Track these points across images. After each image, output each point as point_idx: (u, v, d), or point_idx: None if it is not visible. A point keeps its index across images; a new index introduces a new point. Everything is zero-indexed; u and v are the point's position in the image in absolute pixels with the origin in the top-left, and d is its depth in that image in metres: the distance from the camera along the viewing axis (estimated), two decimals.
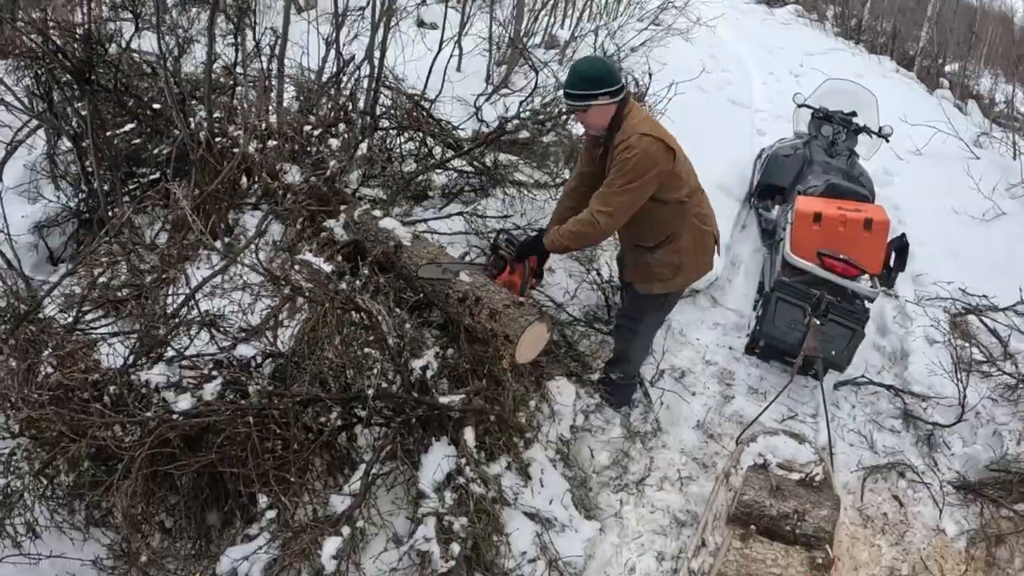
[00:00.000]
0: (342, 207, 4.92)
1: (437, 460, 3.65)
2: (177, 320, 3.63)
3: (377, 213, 4.76)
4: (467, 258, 5.00)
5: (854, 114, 6.90)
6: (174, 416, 3.12)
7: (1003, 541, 4.40)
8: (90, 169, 4.80)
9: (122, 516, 3.02)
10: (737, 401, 5.10)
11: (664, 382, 5.09)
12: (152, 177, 5.18)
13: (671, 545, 4.17)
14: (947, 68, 14.88)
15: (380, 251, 4.43)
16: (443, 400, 3.71)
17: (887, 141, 6.81)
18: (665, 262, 4.31)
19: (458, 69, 7.76)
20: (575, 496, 4.08)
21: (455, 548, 3.32)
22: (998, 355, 5.58)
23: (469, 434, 3.75)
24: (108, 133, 4.99)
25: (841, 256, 5.07)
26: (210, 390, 3.30)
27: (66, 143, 5.21)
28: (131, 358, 3.38)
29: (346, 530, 3.23)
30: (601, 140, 4.13)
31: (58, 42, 4.36)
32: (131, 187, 5.15)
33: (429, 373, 3.94)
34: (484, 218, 5.50)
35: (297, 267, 3.90)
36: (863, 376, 5.46)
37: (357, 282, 3.97)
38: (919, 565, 4.29)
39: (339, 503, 3.36)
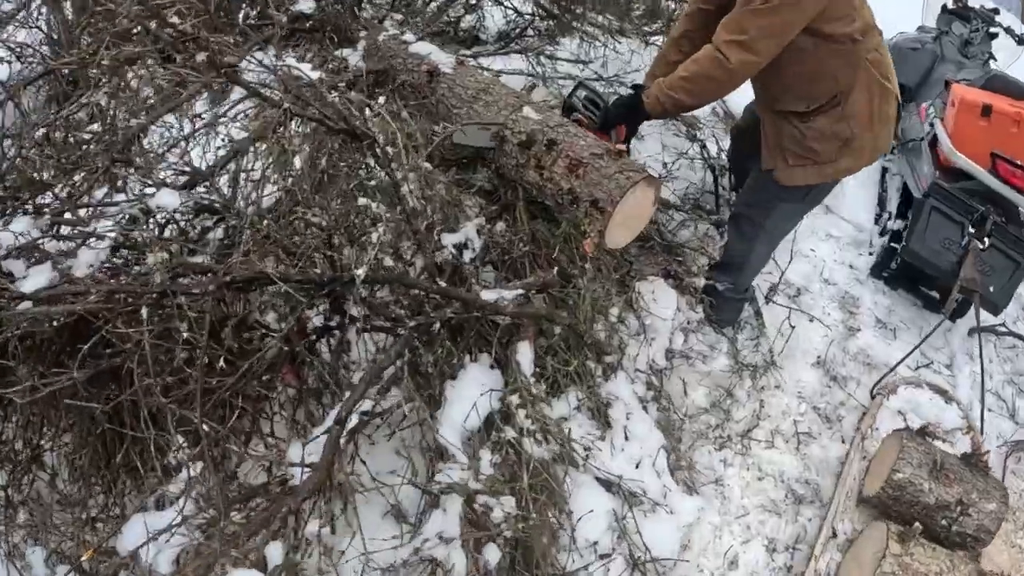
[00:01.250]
0: (362, 33, 3.39)
1: (471, 393, 2.11)
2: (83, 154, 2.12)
3: (409, 37, 3.13)
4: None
5: (996, 11, 5.39)
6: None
7: None
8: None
9: None
10: (863, 336, 3.61)
11: (777, 302, 3.54)
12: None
13: (786, 530, 2.74)
14: None
15: (407, 80, 2.93)
16: (486, 296, 2.17)
17: None
18: (828, 134, 2.73)
19: None
20: (672, 458, 2.58)
21: (491, 558, 1.83)
22: None
23: (525, 352, 2.19)
24: None
25: (1020, 163, 3.63)
26: (88, 259, 1.79)
27: None
28: None
29: (313, 524, 1.71)
30: None
31: None
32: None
33: (468, 256, 2.37)
34: (554, 60, 3.90)
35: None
36: (1003, 325, 4.01)
37: (359, 96, 2.39)
38: None
39: (299, 463, 1.81)
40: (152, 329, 1.61)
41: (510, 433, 2.01)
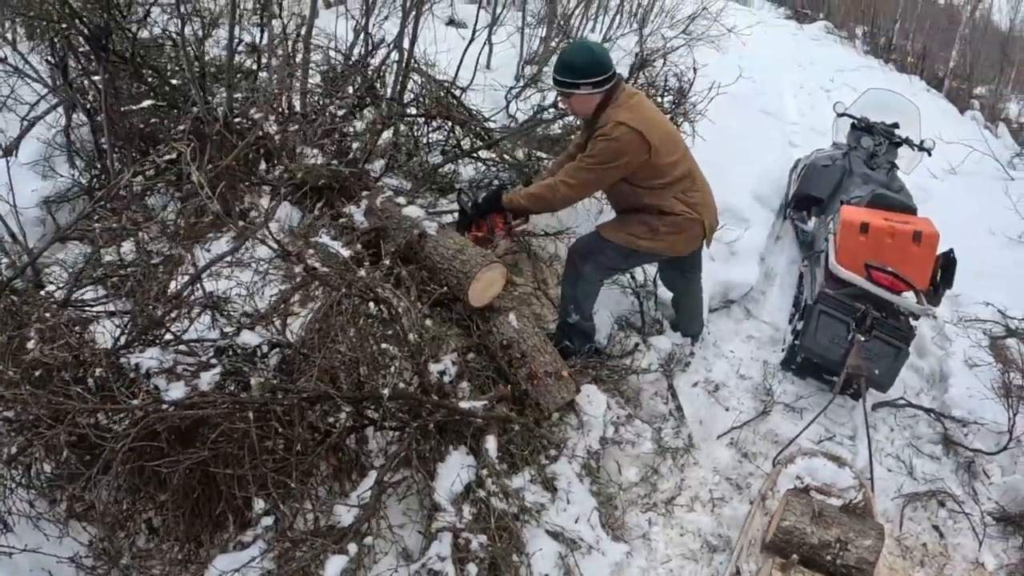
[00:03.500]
0: (364, 193, 4.54)
1: (455, 470, 3.22)
2: (177, 300, 3.21)
3: (401, 200, 4.37)
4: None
5: (896, 126, 6.47)
6: (164, 406, 2.69)
7: None
8: (104, 145, 4.45)
9: (102, 512, 2.61)
10: (773, 419, 4.66)
11: (697, 395, 4.66)
12: (168, 157, 4.81)
13: (702, 572, 3.74)
14: (976, 90, 14.38)
15: (403, 241, 4.05)
16: (464, 405, 3.29)
17: (929, 155, 6.38)
18: (642, 221, 4.17)
19: (488, 67, 7.43)
20: (603, 515, 3.65)
21: (472, 570, 2.88)
22: None
23: (491, 443, 3.33)
24: (124, 108, 4.60)
25: (889, 269, 4.64)
26: (207, 379, 2.87)
27: (81, 117, 4.84)
28: (122, 339, 2.97)
29: (352, 547, 2.79)
30: (588, 123, 4.07)
31: (75, 5, 4.01)
32: (144, 167, 4.77)
33: (447, 378, 3.57)
34: None
35: (312, 251, 3.49)
36: (902, 398, 5.01)
37: (378, 272, 3.53)
38: None
39: (346, 514, 2.93)
40: (257, 427, 2.72)
41: (481, 493, 3.13)
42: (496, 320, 3.98)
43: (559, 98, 4.09)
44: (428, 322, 3.69)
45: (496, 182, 4.69)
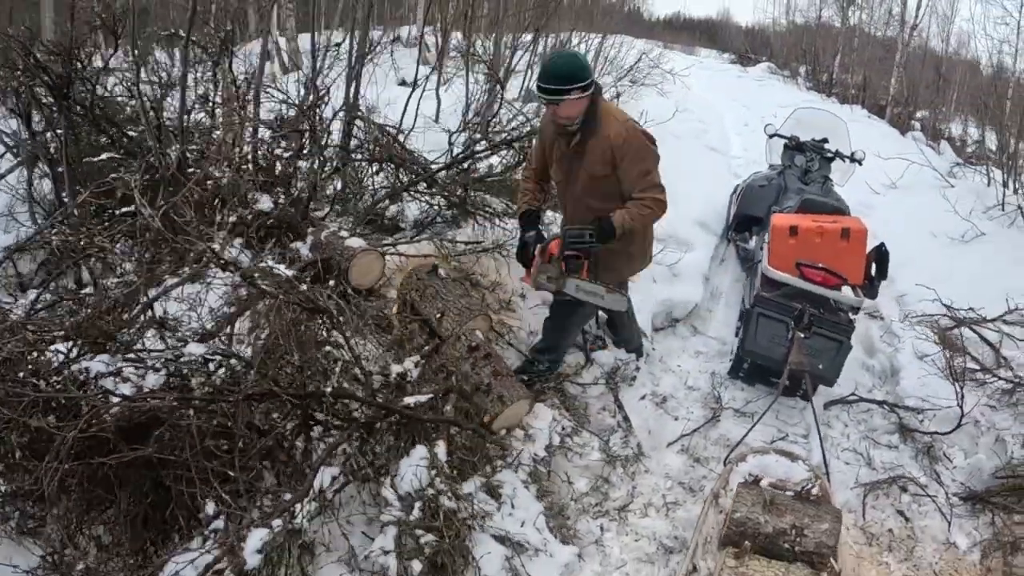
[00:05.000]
0: (310, 230, 4.79)
1: (406, 469, 3.28)
2: (127, 316, 3.33)
3: (343, 233, 4.66)
4: None
5: (826, 140, 6.70)
6: (112, 399, 2.80)
7: (1020, 548, 3.96)
8: (65, 197, 4.64)
9: (58, 515, 2.66)
10: (723, 424, 4.72)
11: (645, 407, 4.72)
12: (127, 210, 4.98)
13: (659, 573, 3.75)
14: (918, 114, 14.80)
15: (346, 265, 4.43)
16: (408, 400, 3.39)
17: (860, 165, 6.62)
18: (636, 250, 4.47)
19: (436, 120, 7.66)
20: (550, 519, 3.68)
21: (415, 566, 2.91)
22: (991, 364, 5.23)
23: (441, 448, 3.40)
24: (84, 159, 4.82)
25: (820, 265, 4.78)
26: (152, 381, 2.99)
27: (44, 168, 5.07)
28: (74, 351, 3.09)
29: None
30: (573, 129, 4.16)
31: (39, 57, 4.22)
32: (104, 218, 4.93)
33: (408, 379, 3.69)
34: (454, 243, 5.26)
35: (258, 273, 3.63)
36: (854, 394, 5.10)
37: (324, 290, 3.68)
38: None
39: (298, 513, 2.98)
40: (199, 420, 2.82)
41: (431, 491, 3.20)
42: (465, 329, 4.20)
43: (547, 106, 4.21)
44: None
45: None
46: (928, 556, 4.04)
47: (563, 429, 4.20)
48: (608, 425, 4.51)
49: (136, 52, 4.78)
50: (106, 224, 4.55)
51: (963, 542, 4.12)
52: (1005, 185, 8.42)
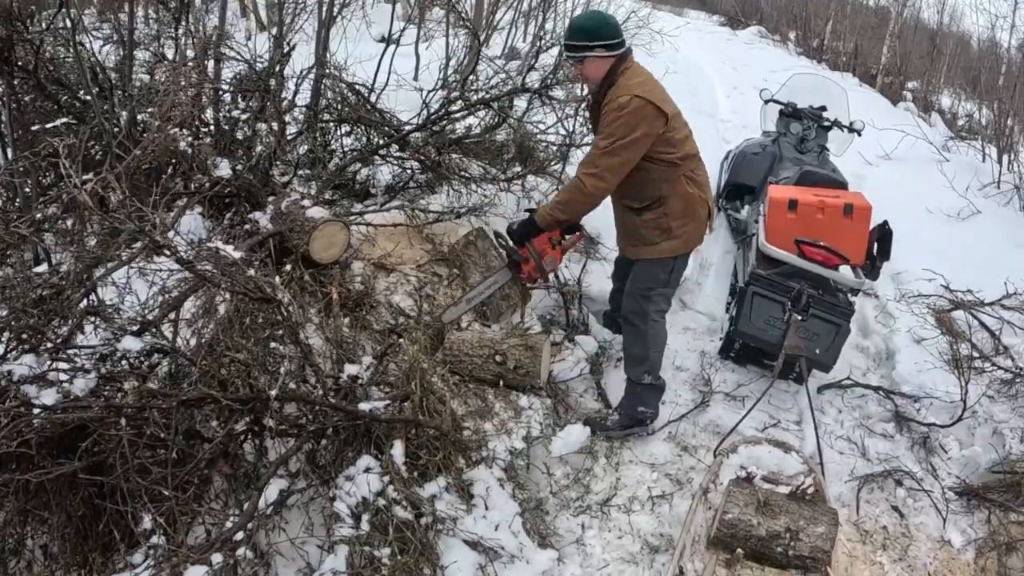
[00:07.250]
0: (270, 198, 4.34)
1: (357, 478, 2.92)
2: (52, 308, 2.91)
3: (306, 203, 4.17)
4: None
5: (824, 109, 6.37)
6: (34, 410, 2.42)
7: (1015, 549, 3.76)
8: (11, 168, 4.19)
9: None
10: (713, 409, 4.41)
11: None
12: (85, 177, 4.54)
13: (643, 575, 3.46)
14: (908, 84, 14.47)
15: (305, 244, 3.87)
16: (363, 406, 3.00)
17: (859, 135, 6.29)
18: (652, 224, 3.92)
19: (415, 78, 7.24)
20: (527, 521, 3.35)
21: None
22: (989, 350, 4.96)
23: (398, 449, 3.02)
24: (34, 127, 4.31)
25: (821, 243, 4.46)
26: (81, 386, 2.59)
27: None
28: None
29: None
30: (596, 97, 3.87)
31: None
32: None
33: (360, 381, 3.30)
34: (426, 212, 4.86)
35: (203, 254, 3.21)
36: (848, 378, 4.81)
37: (277, 276, 3.26)
38: None
39: (241, 529, 2.61)
40: (131, 431, 2.48)
41: (382, 502, 2.82)
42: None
43: (573, 65, 3.83)
44: (345, 329, 3.44)
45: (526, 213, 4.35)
46: (923, 556, 3.82)
47: (542, 416, 3.86)
48: (591, 410, 4.19)
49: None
50: (41, 201, 4.14)
51: (958, 540, 3.91)
52: (999, 162, 8.13)
